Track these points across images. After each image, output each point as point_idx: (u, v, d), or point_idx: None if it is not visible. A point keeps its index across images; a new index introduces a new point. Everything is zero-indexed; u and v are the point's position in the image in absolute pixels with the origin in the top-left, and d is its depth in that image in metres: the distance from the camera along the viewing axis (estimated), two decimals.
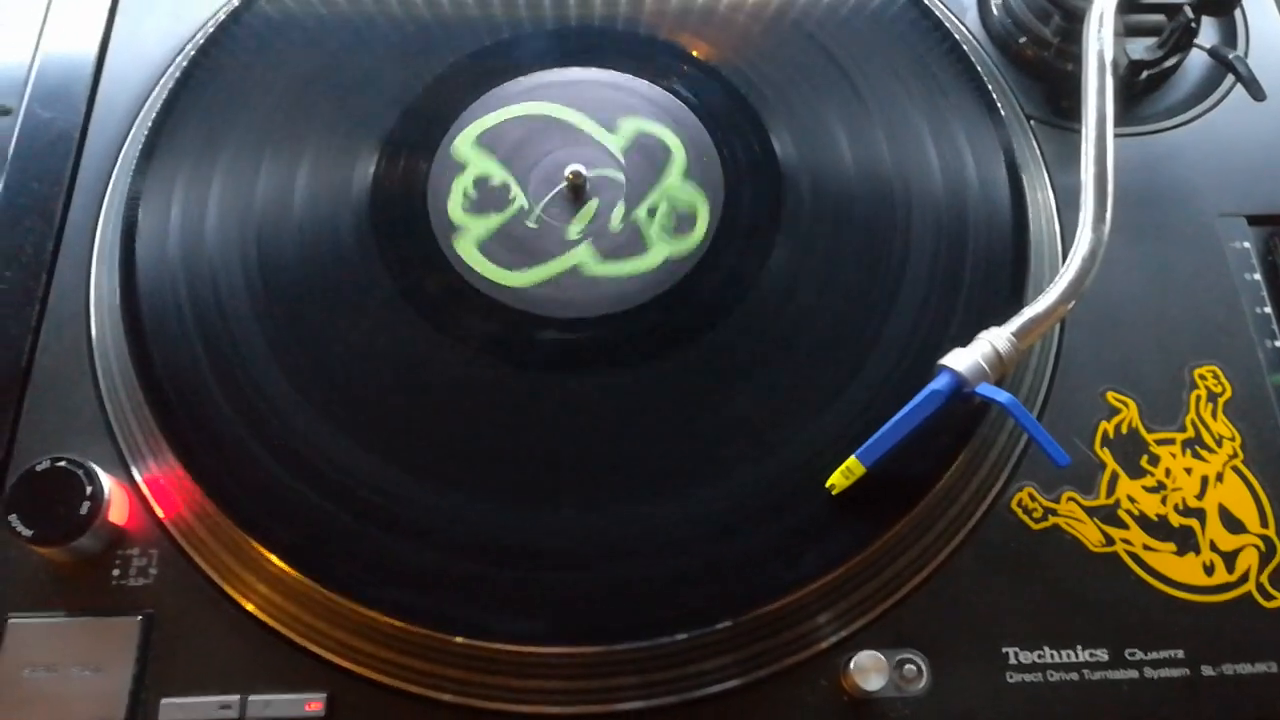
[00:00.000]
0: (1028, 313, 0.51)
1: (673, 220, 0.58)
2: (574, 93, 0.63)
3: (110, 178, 0.61)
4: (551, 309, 0.56)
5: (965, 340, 0.52)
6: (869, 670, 0.49)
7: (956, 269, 0.56)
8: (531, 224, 0.58)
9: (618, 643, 0.49)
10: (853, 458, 0.50)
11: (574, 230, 0.58)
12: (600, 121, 0.62)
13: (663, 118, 0.62)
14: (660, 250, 0.57)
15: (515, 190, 0.59)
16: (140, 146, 0.59)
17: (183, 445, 0.52)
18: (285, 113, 0.61)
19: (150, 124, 0.60)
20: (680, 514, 0.51)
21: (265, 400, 0.53)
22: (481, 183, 0.60)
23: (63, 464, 0.50)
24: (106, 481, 0.52)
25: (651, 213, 0.58)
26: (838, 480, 0.50)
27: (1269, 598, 0.52)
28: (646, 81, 0.63)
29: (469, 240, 0.58)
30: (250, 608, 0.51)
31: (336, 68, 0.63)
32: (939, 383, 0.50)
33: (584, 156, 0.60)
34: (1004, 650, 0.51)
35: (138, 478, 0.54)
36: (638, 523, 0.51)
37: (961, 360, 0.50)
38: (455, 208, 0.59)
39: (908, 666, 0.50)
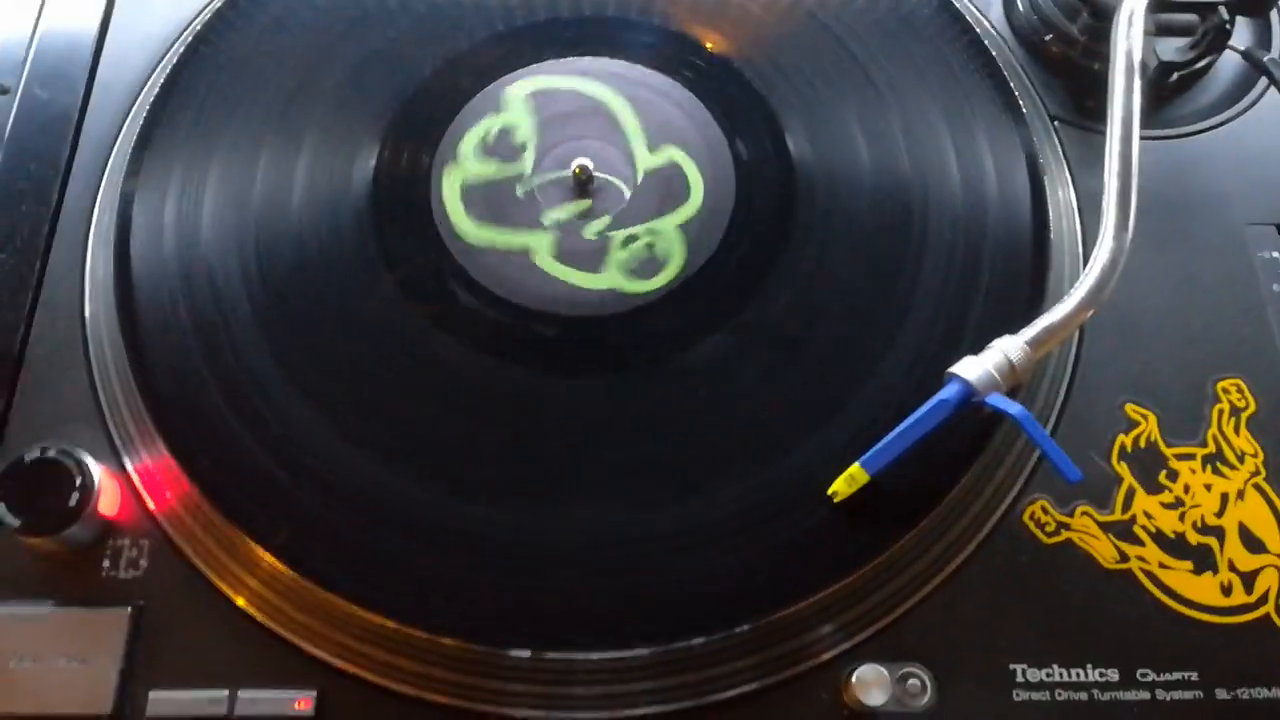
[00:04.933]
0: (1043, 321, 0.50)
1: (637, 262, 0.56)
2: (628, 87, 0.61)
3: (108, 161, 0.60)
4: (557, 306, 0.55)
5: (980, 348, 0.50)
6: (871, 684, 0.48)
7: (973, 274, 0.55)
8: (519, 193, 0.57)
9: (602, 650, 0.47)
10: (856, 465, 0.49)
11: (551, 217, 0.57)
12: (646, 133, 0.60)
13: (700, 156, 0.59)
14: (610, 279, 0.55)
15: (528, 155, 0.58)
16: (139, 131, 0.58)
17: (176, 438, 0.51)
18: (287, 98, 0.60)
19: (147, 109, 0.59)
20: (680, 520, 0.50)
21: (261, 394, 0.52)
22: (505, 133, 0.58)
23: (52, 454, 0.49)
24: (97, 472, 0.51)
25: (627, 242, 0.56)
26: (840, 487, 0.49)
27: None
28: (690, 95, 0.61)
29: (454, 181, 0.56)
30: (241, 603, 0.50)
31: (342, 50, 0.62)
32: (947, 392, 0.48)
33: (607, 157, 0.59)
34: (1011, 667, 0.49)
35: (129, 468, 0.53)
36: (637, 528, 0.50)
37: (972, 369, 0.49)
38: (468, 148, 0.57)
39: (911, 681, 0.49)
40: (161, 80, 0.61)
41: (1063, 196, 0.60)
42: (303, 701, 0.48)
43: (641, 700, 0.48)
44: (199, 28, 0.63)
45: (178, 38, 0.65)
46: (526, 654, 0.47)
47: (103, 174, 0.60)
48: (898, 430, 0.48)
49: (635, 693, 0.48)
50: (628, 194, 0.58)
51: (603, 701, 0.48)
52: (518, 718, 0.48)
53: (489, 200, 0.57)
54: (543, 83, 0.61)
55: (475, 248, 0.56)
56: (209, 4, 0.65)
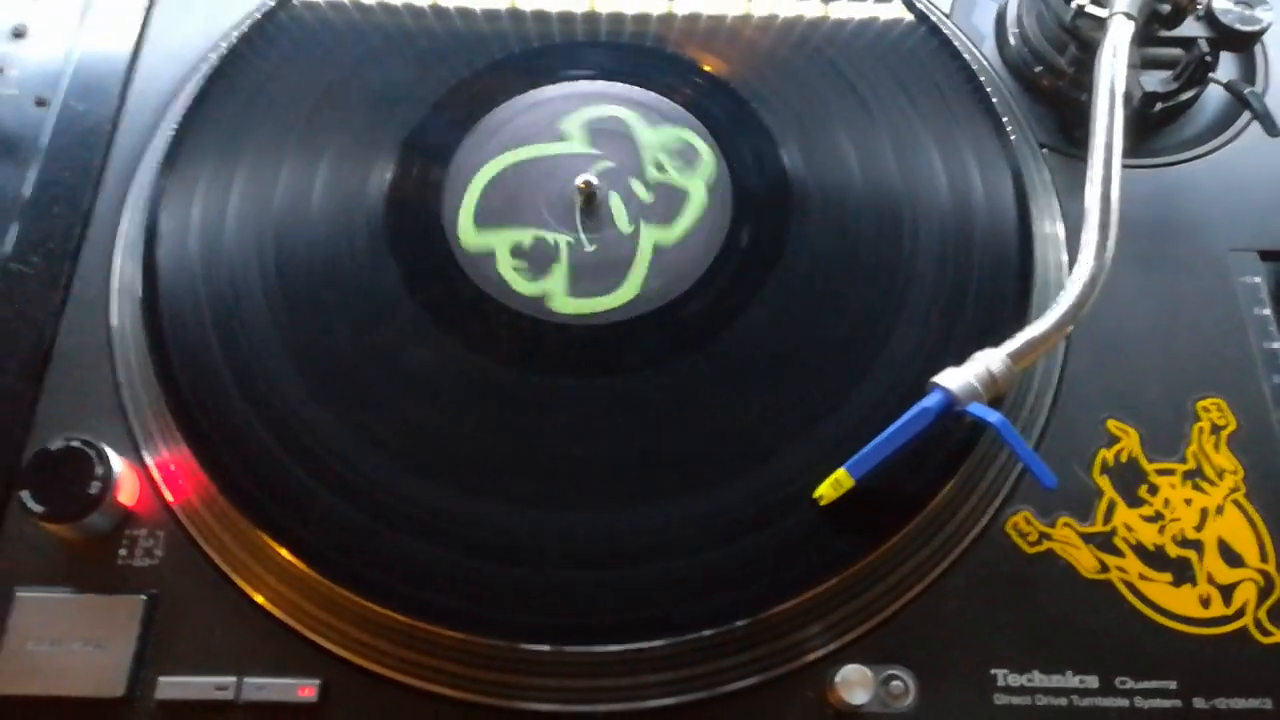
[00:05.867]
0: (1024, 335, 0.52)
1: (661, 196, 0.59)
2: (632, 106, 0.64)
3: (137, 171, 0.63)
4: (556, 314, 0.57)
5: (964, 360, 0.52)
6: (855, 684, 0.49)
7: (960, 290, 0.57)
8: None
9: (593, 644, 0.49)
10: (841, 469, 0.50)
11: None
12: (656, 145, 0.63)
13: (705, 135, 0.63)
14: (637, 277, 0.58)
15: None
16: (167, 143, 0.61)
17: (196, 436, 0.53)
18: (307, 117, 0.63)
19: (177, 123, 0.62)
20: (670, 520, 0.52)
21: (278, 396, 0.54)
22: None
23: (76, 444, 0.52)
24: (117, 463, 0.53)
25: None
26: (826, 491, 0.51)
27: (1266, 633, 0.52)
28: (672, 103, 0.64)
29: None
30: (251, 593, 0.52)
31: (360, 73, 0.65)
32: (930, 400, 0.50)
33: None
34: (993, 672, 0.51)
35: (149, 461, 0.55)
36: (627, 527, 0.51)
37: (954, 379, 0.50)
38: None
39: (895, 683, 0.50)
40: (190, 98, 0.64)
41: (1049, 219, 0.62)
42: (306, 689, 0.50)
43: (623, 696, 0.50)
44: (225, 48, 0.66)
45: (206, 55, 0.68)
46: (547, 648, 0.49)
47: (131, 183, 0.63)
48: (881, 437, 0.50)
49: (608, 689, 0.50)
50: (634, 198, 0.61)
51: (607, 694, 0.50)
52: (527, 710, 0.50)
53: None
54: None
55: (479, 254, 0.59)
56: (236, 26, 0.69)
